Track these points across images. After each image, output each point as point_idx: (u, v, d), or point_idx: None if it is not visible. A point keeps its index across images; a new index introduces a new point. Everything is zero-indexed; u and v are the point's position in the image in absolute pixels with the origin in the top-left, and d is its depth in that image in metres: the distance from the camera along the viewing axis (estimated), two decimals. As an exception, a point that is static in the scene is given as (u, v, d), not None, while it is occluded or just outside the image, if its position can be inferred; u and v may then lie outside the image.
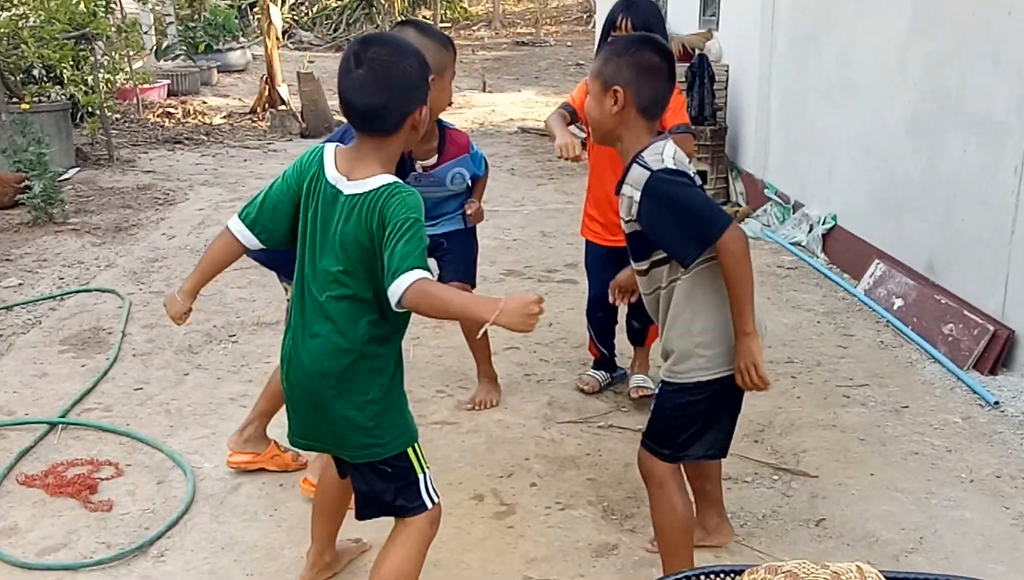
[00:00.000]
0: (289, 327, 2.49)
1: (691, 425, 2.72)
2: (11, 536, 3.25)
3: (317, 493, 2.99)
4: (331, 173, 2.38)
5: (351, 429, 2.42)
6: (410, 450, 2.49)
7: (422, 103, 2.36)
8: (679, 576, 1.81)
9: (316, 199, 2.40)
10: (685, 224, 2.56)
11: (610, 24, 3.86)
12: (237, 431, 3.64)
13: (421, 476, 2.52)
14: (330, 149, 2.44)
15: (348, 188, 2.34)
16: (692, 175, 2.66)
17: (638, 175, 2.61)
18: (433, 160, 3.81)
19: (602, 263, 4.08)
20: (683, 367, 2.68)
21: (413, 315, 2.37)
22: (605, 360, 4.39)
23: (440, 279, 3.98)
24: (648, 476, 2.81)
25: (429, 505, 2.55)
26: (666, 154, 2.62)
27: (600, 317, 4.29)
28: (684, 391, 2.69)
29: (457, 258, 4.05)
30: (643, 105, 2.66)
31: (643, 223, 2.62)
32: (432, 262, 3.81)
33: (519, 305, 2.18)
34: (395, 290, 2.19)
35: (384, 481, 2.49)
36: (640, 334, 4.31)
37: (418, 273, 2.19)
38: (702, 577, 1.82)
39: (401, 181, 2.36)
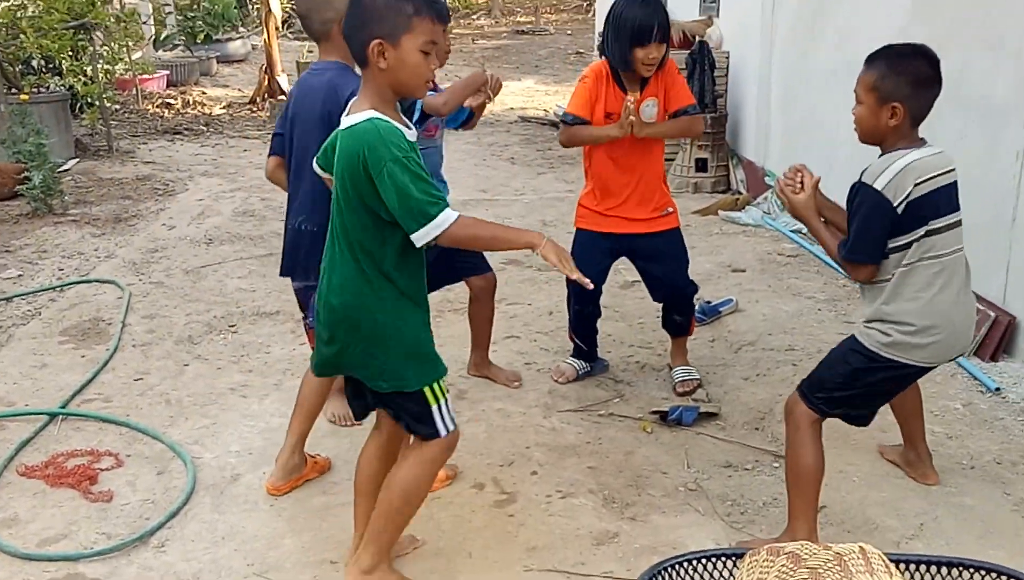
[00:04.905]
0: None
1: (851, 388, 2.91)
2: (11, 527, 3.26)
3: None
4: None
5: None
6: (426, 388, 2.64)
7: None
8: (680, 559, 1.81)
9: None
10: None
11: None
12: (279, 466, 3.42)
13: (435, 406, 2.64)
14: None
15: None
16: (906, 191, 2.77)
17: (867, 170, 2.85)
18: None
19: (591, 252, 4.03)
20: (878, 336, 2.84)
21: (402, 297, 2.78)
22: (582, 351, 4.34)
23: (462, 274, 4.05)
24: (788, 415, 3.02)
25: (444, 433, 2.66)
26: (889, 171, 2.78)
27: (577, 309, 4.23)
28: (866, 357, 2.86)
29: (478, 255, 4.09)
30: (916, 116, 2.85)
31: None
32: None
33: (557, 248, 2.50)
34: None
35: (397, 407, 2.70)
36: (682, 326, 4.26)
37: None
38: (704, 561, 1.83)
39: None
